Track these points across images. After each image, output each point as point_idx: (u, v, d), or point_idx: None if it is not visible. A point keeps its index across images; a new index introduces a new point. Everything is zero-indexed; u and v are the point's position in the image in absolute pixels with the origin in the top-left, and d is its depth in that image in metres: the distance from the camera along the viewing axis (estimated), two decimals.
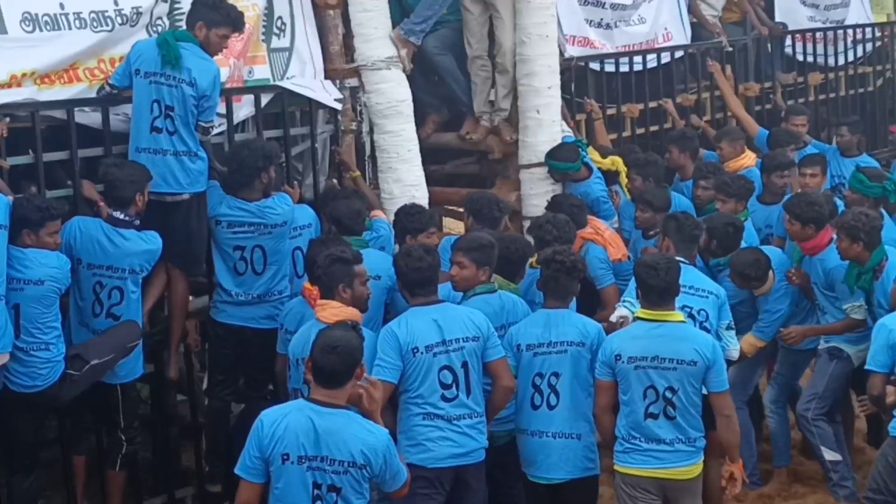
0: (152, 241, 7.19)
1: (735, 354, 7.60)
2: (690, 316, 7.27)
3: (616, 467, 6.76)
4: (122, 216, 7.08)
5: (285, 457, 5.55)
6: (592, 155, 9.78)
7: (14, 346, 6.69)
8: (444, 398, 6.53)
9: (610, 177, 9.71)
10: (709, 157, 10.37)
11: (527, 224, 9.00)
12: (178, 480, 8.15)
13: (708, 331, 7.35)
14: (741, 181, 9.20)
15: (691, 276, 7.54)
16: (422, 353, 6.52)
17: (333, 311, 6.49)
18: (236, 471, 5.71)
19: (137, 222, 7.14)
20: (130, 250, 7.09)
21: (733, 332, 7.61)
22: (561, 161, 9.37)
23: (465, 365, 6.57)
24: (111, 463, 7.43)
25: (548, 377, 6.84)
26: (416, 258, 6.70)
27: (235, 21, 7.64)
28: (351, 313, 6.50)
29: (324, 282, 6.63)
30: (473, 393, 6.60)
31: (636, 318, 6.82)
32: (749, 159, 10.22)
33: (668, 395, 6.57)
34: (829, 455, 8.20)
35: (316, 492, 5.56)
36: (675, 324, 6.69)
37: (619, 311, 7.38)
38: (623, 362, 6.61)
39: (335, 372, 5.60)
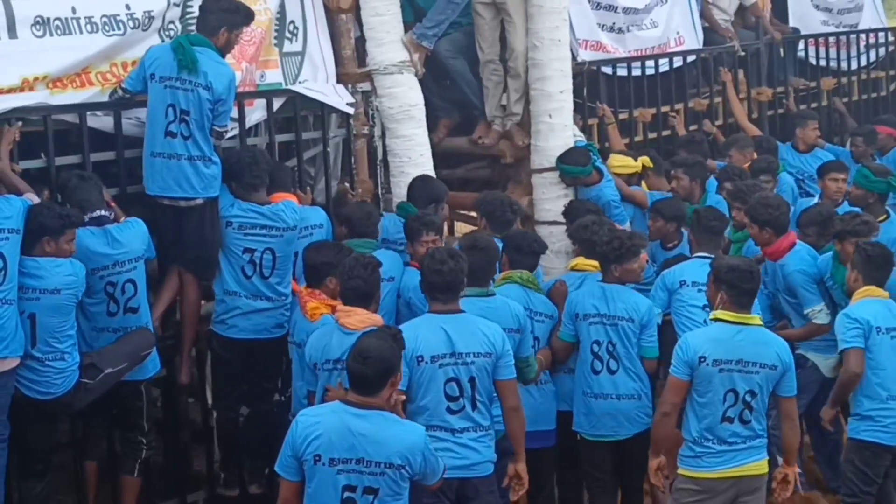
0: (137, 224, 7.21)
1: None
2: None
3: (686, 472, 6.70)
4: (103, 213, 7.08)
5: (317, 458, 5.60)
6: (620, 160, 9.80)
7: (30, 356, 6.69)
8: (449, 410, 6.39)
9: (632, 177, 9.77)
10: (718, 166, 10.38)
11: (539, 229, 9.01)
12: (190, 484, 8.14)
13: None
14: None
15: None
16: (426, 362, 6.36)
17: (359, 318, 6.43)
18: (276, 468, 5.78)
19: (113, 216, 7.13)
20: (129, 238, 7.12)
21: None
22: (572, 164, 9.33)
23: (472, 380, 6.42)
24: (129, 468, 7.43)
25: (605, 345, 7.45)
26: (438, 261, 6.50)
27: (250, 16, 7.71)
28: (378, 320, 6.49)
29: (363, 290, 6.51)
30: (480, 407, 6.47)
31: (715, 320, 6.75)
32: None
33: (748, 398, 6.58)
34: None
35: (347, 494, 5.58)
36: (756, 327, 6.69)
37: None
38: (707, 364, 6.57)
39: (366, 380, 5.60)
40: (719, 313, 6.70)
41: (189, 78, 7.34)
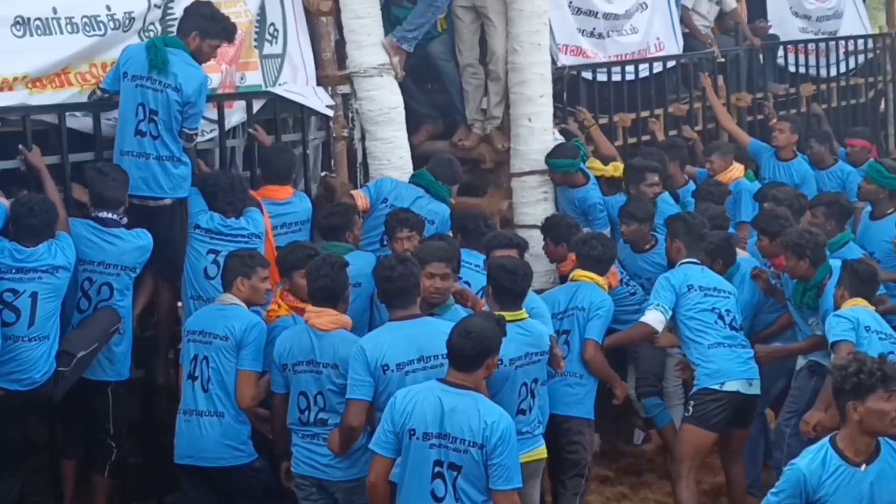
0: (144, 237, 7.24)
1: None
2: (720, 317, 7.84)
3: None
4: (110, 215, 7.12)
5: (412, 432, 5.69)
6: (594, 164, 9.81)
7: (27, 338, 6.78)
8: None
9: (614, 184, 9.73)
10: (700, 174, 10.43)
11: (519, 233, 9.00)
12: (168, 485, 8.12)
13: (737, 330, 7.91)
14: None
15: (709, 277, 8.03)
16: (392, 370, 6.22)
17: (329, 318, 6.48)
18: (371, 446, 5.89)
19: (125, 221, 7.18)
20: (125, 248, 7.16)
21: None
22: (560, 158, 9.36)
23: None
24: (99, 469, 7.41)
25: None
26: (387, 267, 6.46)
27: (230, 33, 7.71)
28: (347, 321, 6.54)
29: (331, 289, 6.52)
30: None
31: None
32: (738, 171, 10.28)
33: (534, 387, 6.78)
34: None
35: (437, 469, 5.68)
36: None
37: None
38: (504, 364, 6.59)
39: (465, 355, 5.73)
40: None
41: (159, 78, 7.37)
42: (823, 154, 11.11)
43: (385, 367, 6.23)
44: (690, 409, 7.86)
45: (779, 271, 8.35)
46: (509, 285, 6.77)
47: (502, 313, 6.47)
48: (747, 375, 7.88)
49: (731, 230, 9.19)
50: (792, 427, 8.01)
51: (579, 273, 8.03)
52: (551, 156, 9.42)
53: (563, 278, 8.51)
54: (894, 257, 8.97)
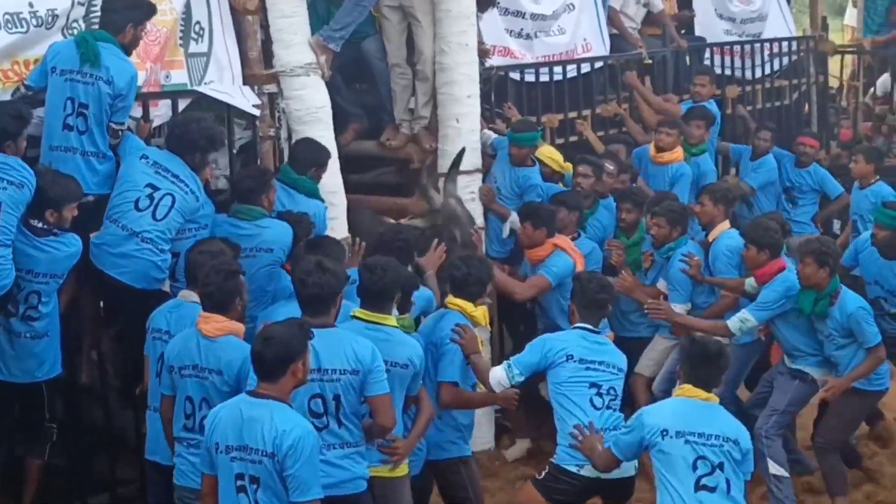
0: (74, 243, 7.18)
1: None
2: (599, 394, 7.07)
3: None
4: (39, 224, 7.06)
5: (216, 446, 5.62)
6: (550, 151, 10.12)
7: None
8: (314, 427, 5.93)
9: (553, 178, 10.01)
10: (638, 154, 10.86)
11: None
12: (93, 487, 8.06)
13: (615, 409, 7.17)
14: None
15: (600, 349, 7.25)
16: None
17: (217, 325, 6.40)
18: (198, 465, 5.85)
19: (56, 231, 7.11)
20: (57, 256, 7.11)
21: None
22: (526, 132, 9.66)
23: (337, 398, 6.22)
24: (39, 453, 7.42)
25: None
26: (303, 271, 6.30)
27: (153, 9, 7.71)
28: (237, 328, 6.46)
29: (218, 297, 6.44)
30: (346, 423, 6.27)
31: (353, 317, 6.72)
32: (679, 154, 10.65)
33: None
34: (775, 469, 8.28)
35: (240, 482, 5.58)
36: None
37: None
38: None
39: (265, 363, 5.60)
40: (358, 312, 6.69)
41: (90, 71, 7.31)
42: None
43: None
44: (543, 473, 7.25)
45: (759, 283, 8.48)
46: (366, 283, 6.63)
47: (362, 312, 6.50)
48: None
49: None
50: (770, 426, 8.28)
51: (449, 299, 7.47)
52: (518, 130, 9.66)
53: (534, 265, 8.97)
54: None
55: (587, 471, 7.00)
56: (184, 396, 6.45)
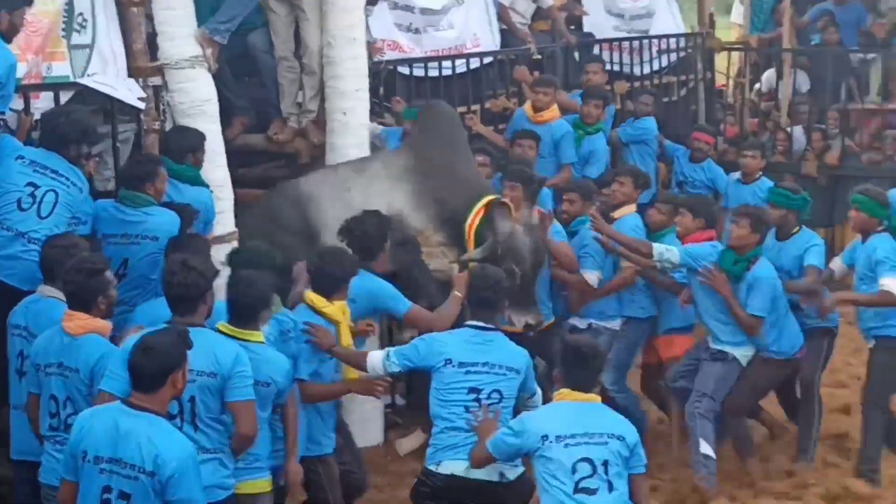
0: None
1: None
2: (476, 400, 6.80)
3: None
4: None
5: (84, 455, 5.44)
6: None
7: None
8: None
9: None
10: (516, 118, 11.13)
11: None
12: None
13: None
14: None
15: (486, 349, 6.95)
16: None
17: (79, 322, 6.31)
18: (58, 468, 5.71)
19: None
20: None
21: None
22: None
23: (192, 400, 6.05)
24: None
25: None
26: (169, 271, 6.21)
27: None
28: (100, 326, 6.36)
29: (80, 296, 6.33)
30: (202, 428, 6.10)
31: None
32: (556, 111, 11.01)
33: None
34: (705, 449, 8.54)
35: (106, 496, 5.39)
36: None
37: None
38: None
39: (144, 374, 5.45)
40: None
41: None
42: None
43: None
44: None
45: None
46: (231, 297, 6.48)
47: (226, 327, 6.42)
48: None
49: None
50: (701, 408, 8.56)
51: (307, 293, 7.31)
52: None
53: None
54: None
55: (444, 467, 6.83)
56: (48, 395, 6.35)
